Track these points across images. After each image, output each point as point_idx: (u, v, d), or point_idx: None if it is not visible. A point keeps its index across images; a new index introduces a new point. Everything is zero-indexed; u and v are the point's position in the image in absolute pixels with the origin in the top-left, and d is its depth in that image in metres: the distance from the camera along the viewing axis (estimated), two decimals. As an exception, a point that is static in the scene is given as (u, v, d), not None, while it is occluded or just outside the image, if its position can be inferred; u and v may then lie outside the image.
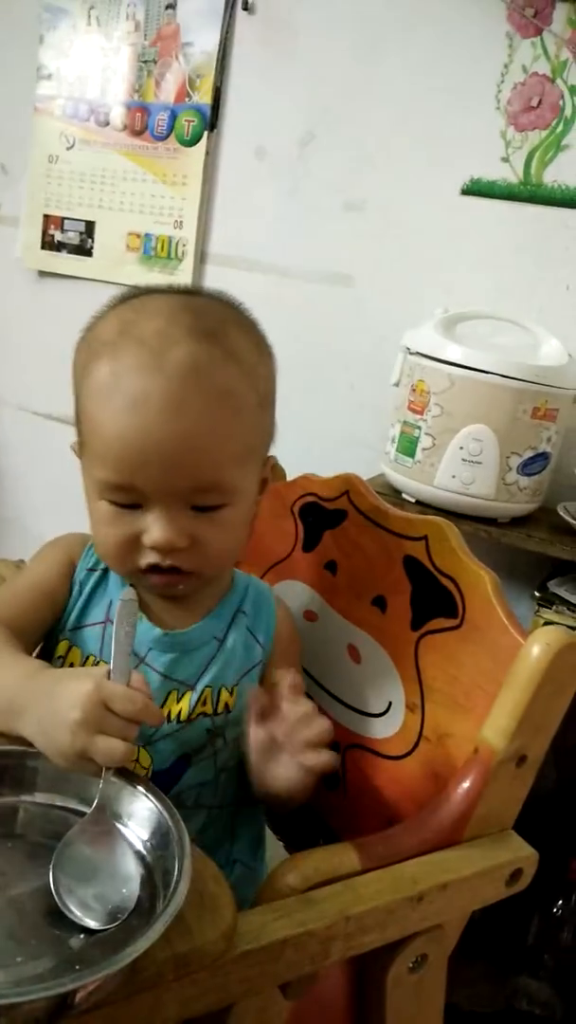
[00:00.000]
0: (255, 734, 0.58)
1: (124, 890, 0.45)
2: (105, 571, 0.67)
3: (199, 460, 0.56)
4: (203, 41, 1.53)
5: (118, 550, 0.59)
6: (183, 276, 1.62)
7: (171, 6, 1.55)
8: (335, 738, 0.76)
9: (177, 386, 0.55)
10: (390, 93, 1.38)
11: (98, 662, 0.65)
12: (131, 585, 0.62)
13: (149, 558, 0.58)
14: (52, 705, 0.50)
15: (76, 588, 0.67)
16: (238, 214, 1.57)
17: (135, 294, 0.62)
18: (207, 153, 1.56)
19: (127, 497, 0.57)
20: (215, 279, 1.61)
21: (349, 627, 0.79)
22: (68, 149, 1.69)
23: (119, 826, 0.50)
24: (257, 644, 0.69)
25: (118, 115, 1.63)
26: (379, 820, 0.71)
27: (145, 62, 1.59)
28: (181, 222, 1.61)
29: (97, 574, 0.67)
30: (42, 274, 1.79)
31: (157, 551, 0.58)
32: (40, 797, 0.52)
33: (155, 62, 1.58)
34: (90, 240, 1.71)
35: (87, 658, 0.66)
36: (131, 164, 1.64)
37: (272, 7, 1.47)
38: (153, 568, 0.59)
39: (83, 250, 1.72)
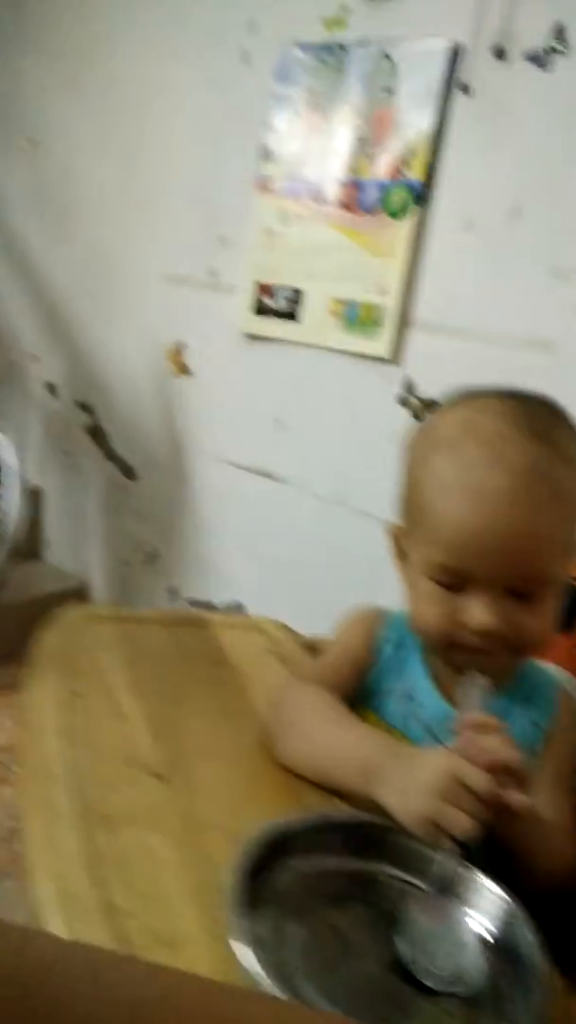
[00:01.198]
0: None
1: (466, 960, 0.48)
2: (405, 645, 0.72)
3: (531, 552, 0.60)
4: (419, 121, 1.61)
5: (438, 627, 0.63)
6: (384, 341, 1.68)
7: (390, 90, 1.64)
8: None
9: (517, 483, 0.59)
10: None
11: (392, 731, 0.69)
12: (441, 659, 0.66)
13: (467, 638, 0.62)
14: (410, 772, 0.55)
15: (377, 659, 0.72)
16: (443, 283, 1.62)
17: (469, 396, 0.67)
18: (415, 225, 1.63)
19: (456, 580, 0.62)
20: (417, 344, 1.67)
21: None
22: (284, 223, 1.82)
23: (459, 902, 0.52)
24: (536, 728, 0.70)
25: (332, 191, 1.74)
26: None
27: (361, 142, 1.69)
28: (385, 290, 1.68)
29: (398, 647, 0.72)
30: (250, 337, 1.92)
31: (478, 634, 0.61)
32: (392, 869, 0.55)
33: (370, 141, 1.68)
34: (297, 306, 1.82)
35: (382, 729, 0.70)
36: (341, 236, 1.74)
37: (490, 88, 1.53)
38: (468, 647, 0.63)
39: (290, 315, 1.83)
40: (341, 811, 0.58)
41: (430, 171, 1.61)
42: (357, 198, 1.71)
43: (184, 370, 2.06)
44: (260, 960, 0.40)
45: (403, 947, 0.48)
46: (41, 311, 2.31)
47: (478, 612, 0.61)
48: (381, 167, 1.67)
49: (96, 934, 0.45)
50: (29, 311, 2.33)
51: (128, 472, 2.21)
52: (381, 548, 1.86)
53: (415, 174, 1.62)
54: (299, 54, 1.77)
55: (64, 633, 0.76)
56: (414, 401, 1.68)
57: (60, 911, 0.46)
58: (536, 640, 0.64)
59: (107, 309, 2.21)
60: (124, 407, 2.20)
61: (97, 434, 2.27)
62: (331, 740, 0.62)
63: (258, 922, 0.44)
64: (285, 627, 0.88)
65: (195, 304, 2.02)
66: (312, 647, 0.83)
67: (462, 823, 0.51)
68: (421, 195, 1.62)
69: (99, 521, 2.30)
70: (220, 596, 2.05)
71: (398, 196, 1.65)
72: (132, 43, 2.09)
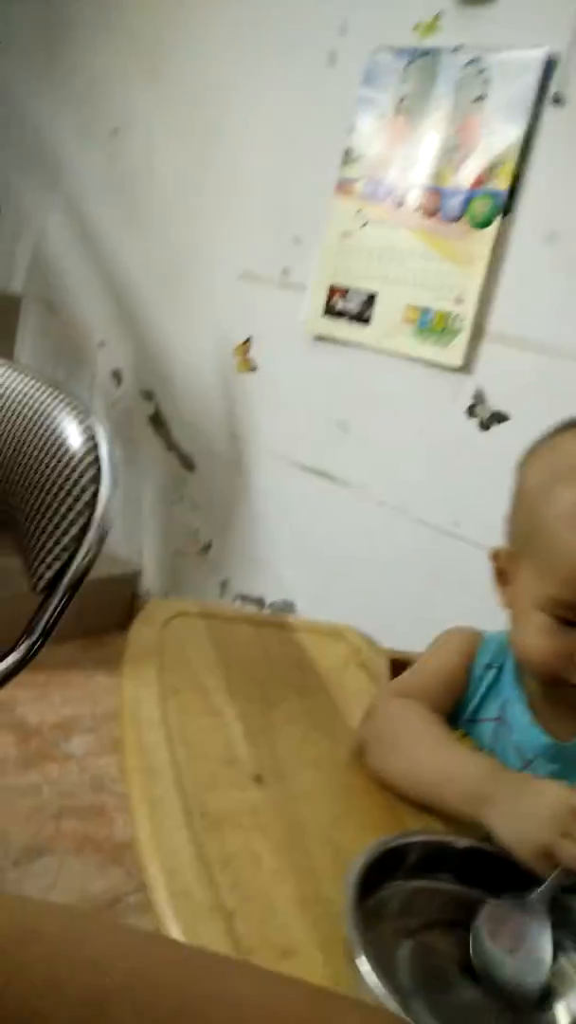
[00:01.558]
0: None
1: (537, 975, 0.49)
2: (500, 669, 0.72)
3: None
4: (508, 131, 1.59)
5: (545, 660, 0.63)
6: (457, 350, 1.68)
7: (480, 98, 1.63)
8: None
9: None
10: None
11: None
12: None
13: None
14: (525, 801, 0.55)
15: (473, 683, 0.72)
16: (521, 295, 1.61)
17: None
18: (497, 235, 1.61)
19: (572, 614, 0.61)
20: (490, 355, 1.66)
21: None
22: (362, 226, 1.82)
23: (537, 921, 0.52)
24: None
25: (414, 197, 1.73)
26: None
27: (447, 149, 1.68)
28: (462, 299, 1.67)
29: (493, 671, 0.72)
30: (319, 338, 1.92)
31: None
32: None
33: (457, 149, 1.67)
34: (369, 310, 1.82)
35: (479, 751, 0.70)
36: (420, 243, 1.73)
37: (584, 100, 1.51)
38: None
39: (361, 319, 1.83)
40: (450, 834, 0.58)
41: (516, 182, 1.59)
42: (439, 205, 1.70)
43: (250, 366, 2.07)
44: (383, 980, 0.41)
45: (476, 961, 0.49)
46: (111, 298, 2.34)
47: None
48: (466, 175, 1.65)
49: (210, 933, 0.46)
50: (100, 298, 2.36)
51: (187, 463, 2.23)
52: (438, 559, 1.85)
53: (500, 184, 1.61)
54: (389, 58, 1.77)
55: (156, 627, 0.77)
56: (483, 412, 1.67)
57: (172, 908, 0.48)
58: None
59: (176, 300, 2.23)
60: (187, 398, 2.22)
61: (159, 423, 2.29)
62: (435, 760, 0.62)
63: (374, 941, 0.45)
64: (365, 637, 0.88)
65: (265, 302, 2.03)
66: (394, 661, 0.84)
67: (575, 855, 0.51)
68: (505, 206, 1.60)
69: (156, 510, 2.32)
70: (271, 593, 2.06)
71: (481, 205, 1.63)
72: (217, 39, 2.10)
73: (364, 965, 0.42)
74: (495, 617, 0.74)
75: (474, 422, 1.68)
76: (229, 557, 2.16)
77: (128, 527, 2.36)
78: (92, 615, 1.99)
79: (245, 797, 0.58)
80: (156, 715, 0.64)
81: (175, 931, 0.46)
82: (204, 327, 2.16)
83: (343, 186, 1.85)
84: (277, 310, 1.99)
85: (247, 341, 2.07)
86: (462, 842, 0.56)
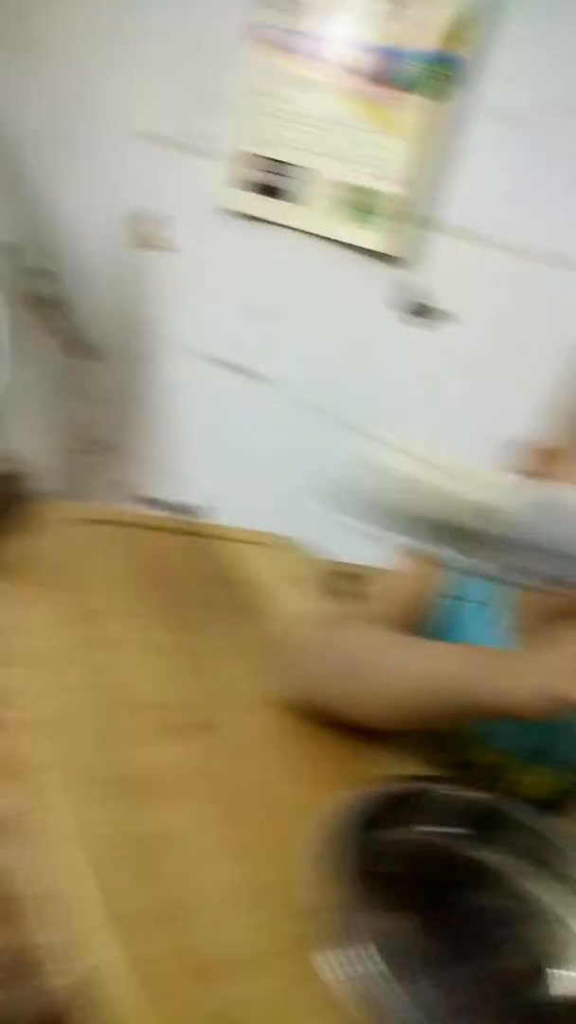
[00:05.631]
0: None
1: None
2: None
3: None
4: (472, -13, 1.40)
5: None
6: (386, 235, 1.52)
7: (440, -57, 1.42)
8: None
9: None
10: None
11: None
12: None
13: None
14: (541, 660, 0.49)
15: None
16: (469, 180, 1.46)
17: None
18: (449, 110, 1.44)
19: None
20: (429, 245, 1.51)
21: None
22: (285, 85, 1.59)
23: None
24: None
25: (352, 55, 1.52)
26: None
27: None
28: (400, 180, 1.50)
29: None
30: (234, 214, 1.71)
31: None
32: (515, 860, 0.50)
33: (413, 1, 1.46)
34: (291, 184, 1.62)
35: None
36: (355, 110, 1.53)
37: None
38: None
39: (281, 194, 1.63)
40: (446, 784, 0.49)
41: (476, 51, 1.41)
42: (383, 67, 1.50)
43: (150, 243, 1.84)
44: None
45: None
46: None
47: None
48: (419, 35, 1.45)
49: (150, 951, 0.33)
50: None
51: (86, 352, 2.00)
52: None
53: (458, 51, 1.42)
54: None
55: (54, 537, 0.61)
56: (412, 305, 1.53)
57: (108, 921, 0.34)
58: None
59: (69, 161, 1.93)
60: (82, 278, 1.96)
61: (53, 306, 2.02)
62: (420, 662, 0.53)
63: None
64: (295, 544, 0.76)
65: (174, 169, 1.77)
66: (334, 574, 0.72)
67: None
68: (460, 77, 1.42)
69: (48, 403, 2.08)
70: (177, 497, 1.90)
71: (434, 74, 1.45)
72: None
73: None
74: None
75: (403, 316, 1.55)
76: (130, 457, 1.98)
77: (17, 421, 2.11)
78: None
79: (176, 752, 0.45)
80: (59, 647, 0.49)
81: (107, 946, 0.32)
82: (100, 195, 1.89)
83: (262, 33, 1.59)
84: (189, 180, 1.75)
85: (153, 215, 1.83)
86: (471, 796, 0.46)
